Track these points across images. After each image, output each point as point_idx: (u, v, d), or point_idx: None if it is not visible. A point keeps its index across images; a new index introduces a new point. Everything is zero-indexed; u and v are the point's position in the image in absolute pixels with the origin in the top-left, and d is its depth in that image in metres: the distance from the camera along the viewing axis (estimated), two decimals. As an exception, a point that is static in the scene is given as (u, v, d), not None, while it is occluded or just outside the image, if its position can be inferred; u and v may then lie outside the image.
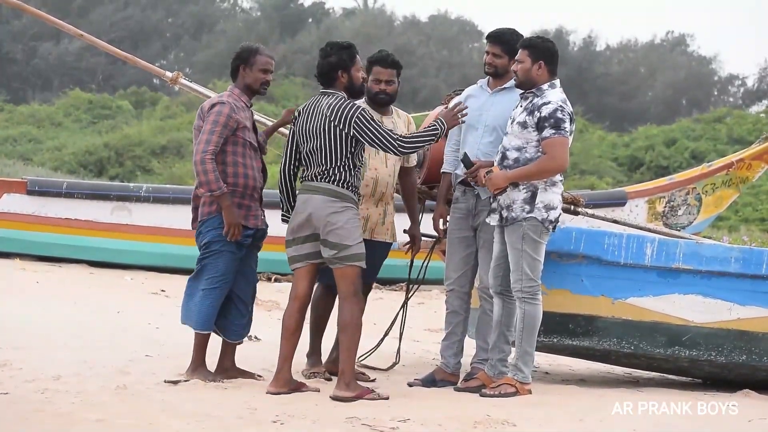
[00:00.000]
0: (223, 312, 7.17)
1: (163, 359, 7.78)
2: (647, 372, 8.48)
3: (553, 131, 6.90)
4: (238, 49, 7.29)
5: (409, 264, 7.95)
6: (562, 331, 7.46)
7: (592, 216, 8.66)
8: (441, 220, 7.58)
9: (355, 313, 6.80)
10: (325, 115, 6.86)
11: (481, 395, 6.89)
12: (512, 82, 7.33)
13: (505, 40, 7.34)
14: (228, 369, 7.21)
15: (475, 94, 7.50)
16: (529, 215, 6.93)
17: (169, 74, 8.95)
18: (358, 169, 6.91)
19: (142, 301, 11.93)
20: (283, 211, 7.12)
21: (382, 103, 7.50)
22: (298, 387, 6.88)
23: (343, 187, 6.83)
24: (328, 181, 6.84)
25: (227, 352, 7.25)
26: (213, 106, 7.06)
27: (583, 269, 7.47)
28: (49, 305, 10.52)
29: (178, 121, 37.56)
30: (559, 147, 6.91)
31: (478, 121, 7.36)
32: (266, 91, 7.29)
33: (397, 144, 6.82)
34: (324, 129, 6.85)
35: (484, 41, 7.57)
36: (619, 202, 14.61)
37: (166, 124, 37.60)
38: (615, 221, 8.73)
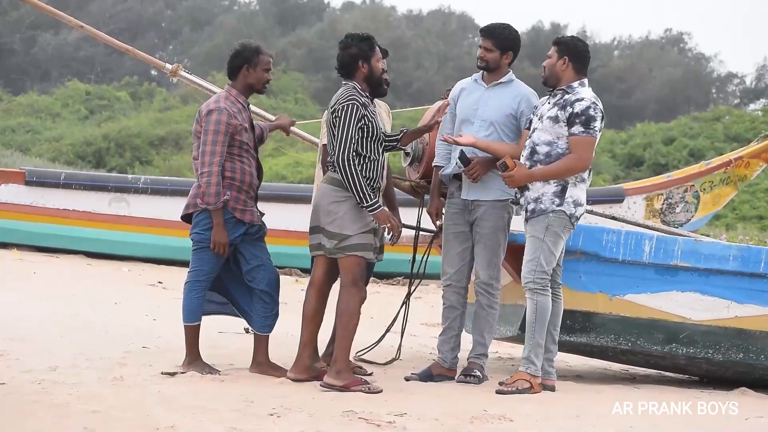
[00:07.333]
0: (249, 305, 7.19)
1: (160, 351, 7.77)
2: (644, 369, 8.49)
3: (582, 129, 6.93)
4: (237, 47, 7.19)
5: (411, 259, 7.92)
6: (560, 327, 7.45)
7: (591, 212, 8.65)
8: (437, 214, 7.55)
9: (352, 303, 6.77)
10: (331, 105, 6.88)
11: (498, 392, 6.89)
12: (508, 77, 7.34)
13: (496, 34, 7.32)
14: (261, 363, 7.16)
15: (469, 87, 7.46)
16: (558, 208, 6.94)
17: (168, 66, 8.94)
18: (366, 159, 6.81)
19: (140, 292, 11.93)
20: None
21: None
22: (319, 375, 6.86)
23: None
24: (334, 171, 6.83)
25: (259, 346, 7.18)
26: (210, 113, 7.02)
27: (581, 266, 7.47)
28: (46, 296, 10.51)
29: (176, 113, 37.52)
30: (586, 146, 6.94)
31: (474, 115, 7.33)
32: (266, 89, 7.28)
33: (343, 157, 6.70)
34: (330, 119, 6.86)
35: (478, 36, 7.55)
36: (617, 198, 14.63)
37: (164, 116, 37.58)
38: (613, 218, 8.74)
